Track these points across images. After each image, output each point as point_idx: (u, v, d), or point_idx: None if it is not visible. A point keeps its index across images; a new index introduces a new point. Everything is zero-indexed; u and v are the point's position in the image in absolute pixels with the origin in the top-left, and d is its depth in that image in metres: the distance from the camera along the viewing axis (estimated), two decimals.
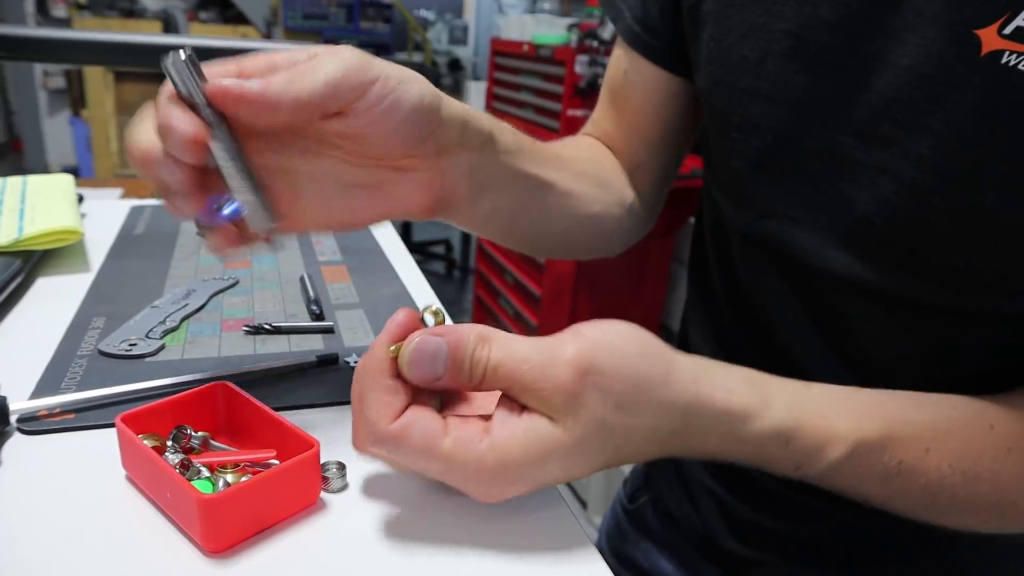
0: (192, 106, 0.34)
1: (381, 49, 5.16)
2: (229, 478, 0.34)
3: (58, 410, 0.41)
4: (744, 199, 0.53)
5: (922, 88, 0.40)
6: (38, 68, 4.90)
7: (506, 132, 0.46)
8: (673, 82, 0.58)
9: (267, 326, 0.52)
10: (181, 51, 0.34)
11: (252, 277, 0.63)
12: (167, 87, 0.35)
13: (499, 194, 0.47)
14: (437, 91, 0.39)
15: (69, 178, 0.76)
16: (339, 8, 5.09)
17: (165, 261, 0.65)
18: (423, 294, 0.62)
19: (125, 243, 0.69)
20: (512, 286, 2.77)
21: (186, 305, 0.56)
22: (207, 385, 0.39)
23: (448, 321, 0.36)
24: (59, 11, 4.82)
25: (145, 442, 0.36)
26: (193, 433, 0.36)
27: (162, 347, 0.49)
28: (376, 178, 0.40)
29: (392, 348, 0.33)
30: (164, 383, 0.43)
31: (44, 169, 4.86)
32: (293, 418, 0.42)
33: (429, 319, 0.35)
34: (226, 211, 0.37)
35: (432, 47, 5.31)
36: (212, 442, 0.36)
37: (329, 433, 0.41)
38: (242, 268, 0.65)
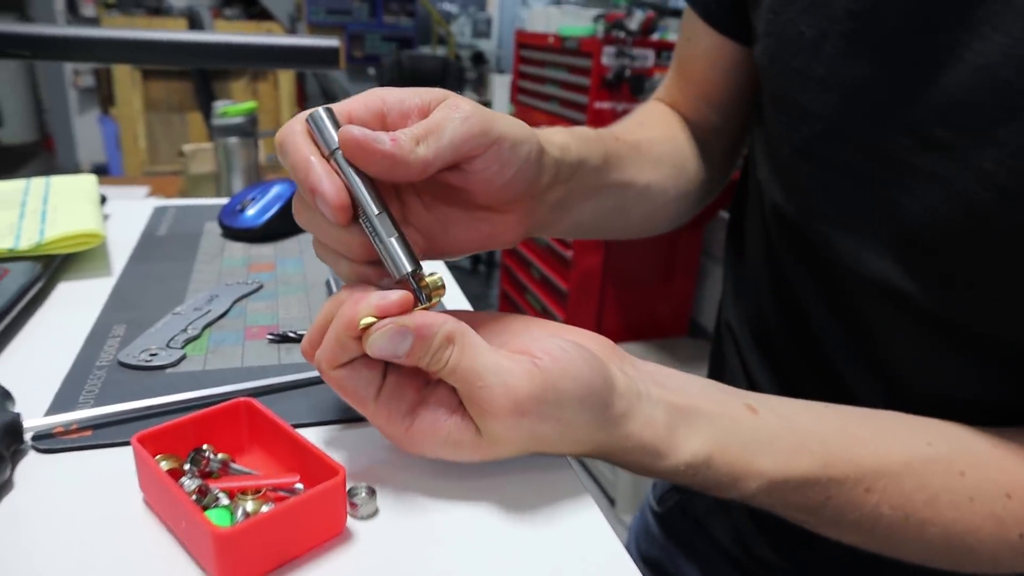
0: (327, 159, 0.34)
1: (405, 44, 5.15)
2: (249, 506, 0.31)
3: (75, 427, 0.39)
4: (788, 188, 0.50)
5: (996, 93, 0.37)
6: (68, 67, 4.96)
7: (594, 149, 0.46)
8: (736, 50, 0.56)
9: (292, 334, 0.50)
10: (321, 109, 0.34)
11: (277, 281, 0.61)
12: (306, 148, 0.34)
13: (582, 209, 0.47)
14: (540, 141, 0.39)
15: (92, 178, 0.75)
16: (362, 2, 5.09)
17: (188, 264, 0.64)
18: (450, 293, 0.60)
19: (148, 245, 0.68)
20: (539, 281, 2.74)
21: (208, 312, 0.54)
22: (229, 402, 0.37)
23: (442, 300, 0.36)
24: (88, 10, 4.87)
25: (162, 464, 0.34)
26: (212, 456, 0.33)
27: (183, 357, 0.47)
28: (472, 217, 0.40)
29: (365, 321, 0.32)
30: (184, 398, 0.41)
31: (75, 167, 4.92)
32: (319, 435, 0.40)
33: (431, 280, 0.35)
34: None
35: (456, 40, 5.29)
36: (233, 465, 0.34)
37: (358, 453, 0.39)
38: (266, 272, 0.63)
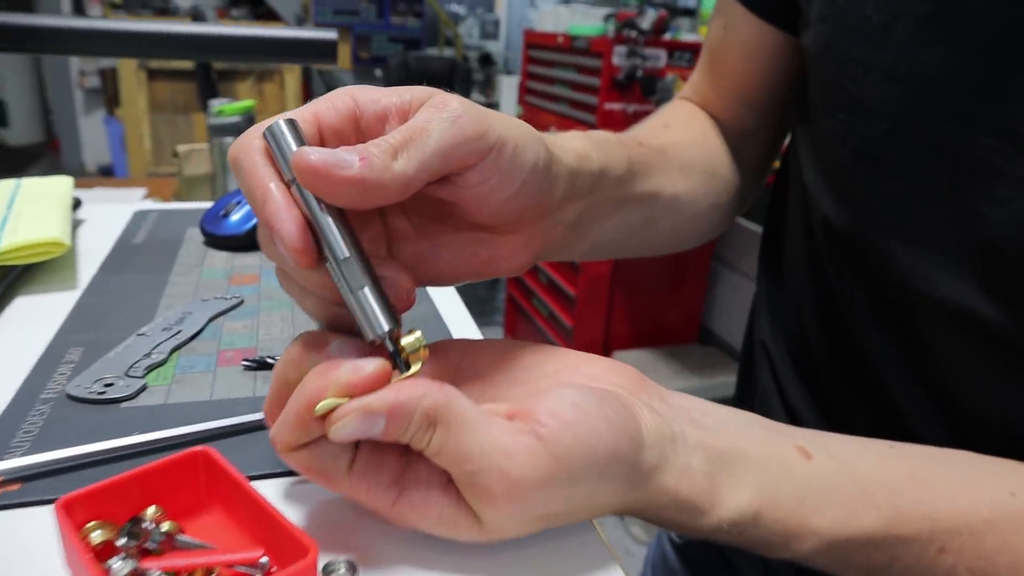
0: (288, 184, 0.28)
1: (411, 45, 5.10)
2: None
3: (0, 479, 0.33)
4: (842, 195, 0.44)
5: None
6: (74, 68, 4.92)
7: (615, 156, 0.39)
8: (779, 38, 0.50)
9: (271, 359, 0.44)
10: (280, 119, 0.28)
11: (260, 296, 0.55)
12: (262, 172, 0.27)
13: (602, 227, 0.40)
14: (548, 146, 0.33)
15: (67, 181, 0.69)
16: (370, 3, 5.04)
17: (163, 275, 0.57)
18: (454, 313, 0.53)
19: (121, 254, 0.62)
20: (546, 286, 2.67)
21: (178, 332, 0.47)
22: (183, 453, 0.31)
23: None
24: (95, 11, 4.83)
25: (95, 535, 0.27)
26: (153, 528, 0.27)
27: (143, 388, 0.41)
28: (469, 239, 0.33)
29: (321, 406, 0.26)
30: (133, 443, 0.35)
31: (80, 168, 4.88)
32: (290, 489, 0.33)
33: (408, 343, 0.28)
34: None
35: (463, 42, 5.23)
36: (180, 537, 0.28)
37: (336, 514, 0.32)
38: (249, 284, 0.57)
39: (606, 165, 0.38)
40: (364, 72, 5.17)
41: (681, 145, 0.50)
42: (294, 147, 0.27)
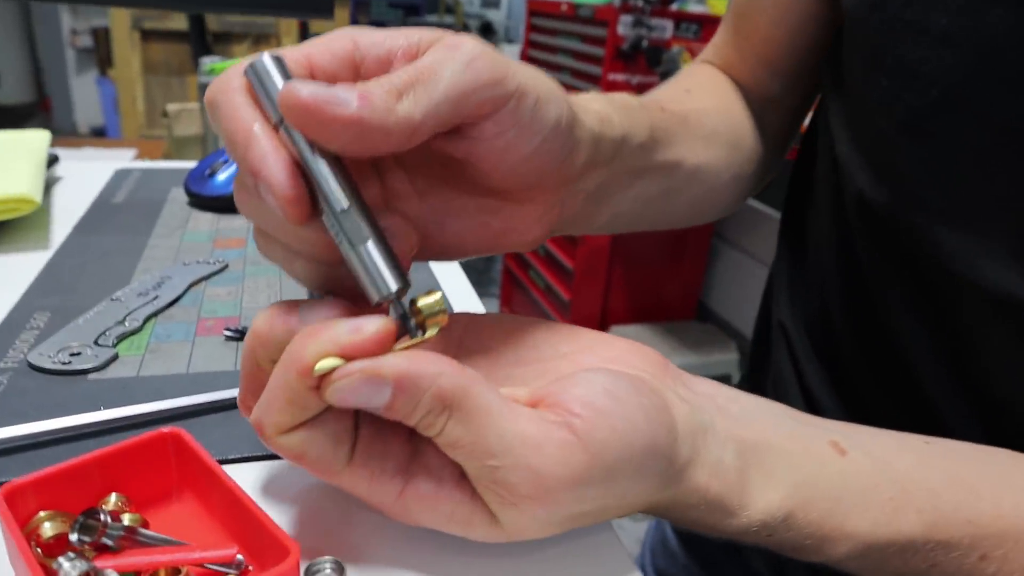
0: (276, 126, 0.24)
1: (411, 12, 5.00)
2: None
3: None
4: (880, 169, 0.40)
5: None
6: (66, 26, 4.82)
7: (638, 122, 0.35)
8: (812, 1, 0.45)
9: None
10: (265, 55, 0.23)
11: (245, 260, 0.51)
12: (245, 112, 0.23)
13: (622, 198, 0.36)
14: (572, 106, 0.29)
15: (43, 135, 0.64)
16: None
17: (143, 237, 0.53)
18: (456, 285, 0.49)
19: (99, 214, 0.58)
20: (543, 258, 2.64)
21: (155, 298, 0.44)
22: (151, 434, 0.27)
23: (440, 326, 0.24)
24: None
25: (45, 526, 0.24)
26: (109, 522, 0.23)
27: (114, 358, 0.37)
28: (480, 207, 0.29)
29: (321, 365, 0.22)
30: (95, 420, 0.31)
31: (72, 128, 4.80)
32: (271, 473, 0.30)
33: (426, 304, 0.24)
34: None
35: (464, 10, 5.14)
36: (143, 531, 0.24)
37: (321, 504, 0.29)
38: (235, 248, 0.53)
39: (628, 131, 0.34)
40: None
41: (704, 112, 0.46)
42: (280, 85, 0.23)
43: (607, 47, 2.18)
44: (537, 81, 0.27)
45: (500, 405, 0.23)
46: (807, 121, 0.56)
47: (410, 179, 0.29)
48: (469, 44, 0.25)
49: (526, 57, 2.83)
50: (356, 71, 0.25)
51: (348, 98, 0.22)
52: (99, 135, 4.65)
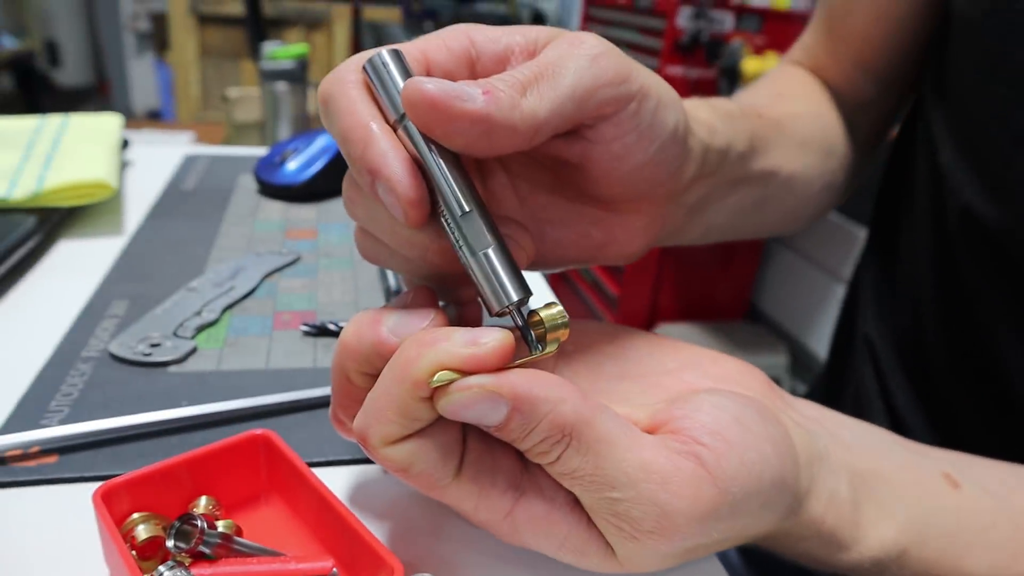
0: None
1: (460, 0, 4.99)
2: None
3: (35, 450, 0.29)
4: (991, 183, 0.37)
5: None
6: (125, 10, 4.91)
7: (740, 130, 0.34)
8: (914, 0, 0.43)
9: (333, 326, 0.39)
10: (384, 50, 0.22)
11: (318, 252, 0.50)
12: (363, 109, 0.22)
13: (717, 210, 0.35)
14: (687, 114, 0.28)
15: (116, 119, 0.65)
16: None
17: (214, 225, 0.53)
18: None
19: (170, 200, 0.57)
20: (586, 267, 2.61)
21: (231, 289, 0.43)
22: (242, 436, 0.26)
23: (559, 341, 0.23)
24: None
25: (139, 529, 0.23)
26: (206, 528, 0.23)
27: (193, 350, 0.37)
28: (583, 216, 0.28)
29: (440, 377, 0.20)
30: (184, 415, 0.31)
31: (129, 111, 4.90)
32: (358, 478, 0.29)
33: (548, 316, 0.22)
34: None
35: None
36: (237, 539, 0.23)
37: (414, 514, 0.28)
38: (306, 239, 0.52)
39: (731, 140, 0.33)
40: (414, 25, 5.08)
41: (798, 117, 0.44)
42: (401, 81, 0.22)
43: (665, 40, 2.14)
44: (659, 84, 0.26)
45: (622, 434, 0.21)
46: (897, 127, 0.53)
47: (512, 184, 0.27)
48: (592, 40, 0.24)
49: None
50: (472, 69, 0.24)
51: (474, 94, 0.21)
52: (154, 118, 4.74)
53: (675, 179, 0.28)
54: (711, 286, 2.50)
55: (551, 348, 0.22)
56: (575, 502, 0.22)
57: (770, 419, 0.24)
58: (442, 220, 0.22)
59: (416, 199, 0.21)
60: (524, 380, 0.20)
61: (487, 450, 0.22)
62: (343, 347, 0.23)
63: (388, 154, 0.21)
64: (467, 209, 0.22)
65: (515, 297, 0.22)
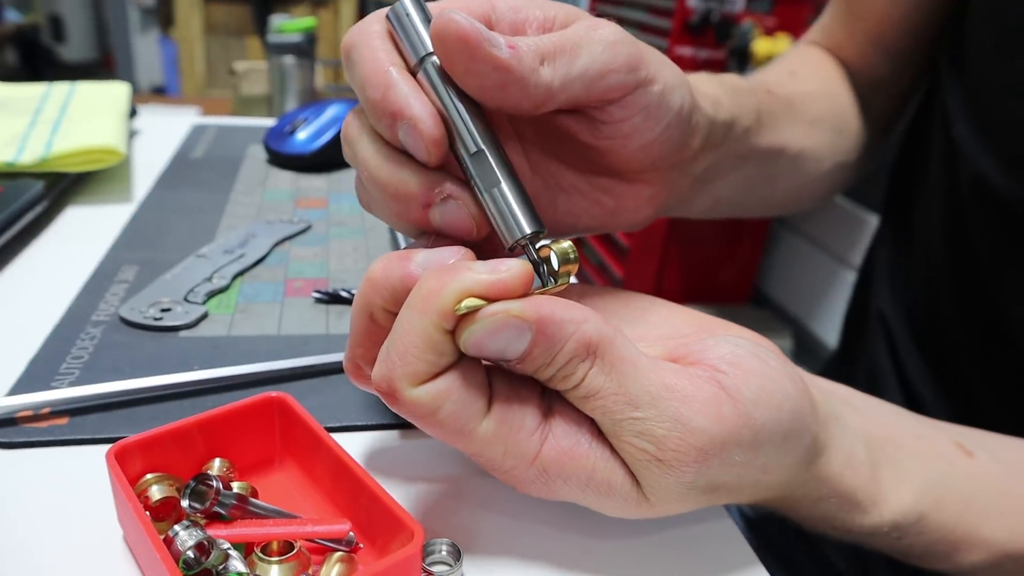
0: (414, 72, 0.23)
1: None
2: (274, 574, 0.20)
3: (46, 411, 0.28)
4: (1006, 154, 0.37)
5: None
6: None
7: (746, 105, 0.35)
8: None
9: (345, 293, 0.39)
10: (407, 0, 0.23)
11: (328, 221, 0.49)
12: (384, 55, 0.23)
13: (725, 182, 0.36)
14: (692, 91, 0.28)
15: (124, 87, 0.64)
16: None
17: (223, 194, 0.52)
18: None
19: (179, 168, 0.57)
20: (598, 235, 2.61)
21: (242, 256, 0.42)
22: (256, 398, 0.26)
23: (572, 275, 0.23)
24: None
25: (153, 490, 0.23)
26: (223, 489, 0.22)
27: (204, 316, 0.36)
28: (593, 185, 0.28)
29: (463, 304, 0.20)
30: (195, 378, 0.30)
31: (133, 87, 4.88)
32: (373, 444, 0.29)
33: (552, 260, 0.22)
34: None
35: None
36: (253, 501, 0.23)
37: (433, 482, 0.27)
38: (317, 208, 0.51)
39: (737, 115, 0.34)
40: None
41: (810, 95, 0.44)
42: (422, 26, 0.22)
43: (675, 20, 2.12)
44: (666, 69, 0.26)
45: (644, 357, 0.22)
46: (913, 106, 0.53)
47: (525, 151, 0.28)
48: (610, 27, 0.24)
49: None
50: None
51: (500, 43, 0.21)
52: (159, 93, 4.72)
53: (680, 153, 0.29)
54: (716, 269, 2.49)
55: (563, 280, 0.22)
56: (598, 433, 0.22)
57: (787, 361, 0.24)
58: (459, 160, 0.23)
59: (439, 137, 0.22)
60: (548, 302, 0.20)
61: (513, 391, 0.22)
62: (369, 282, 0.23)
63: (410, 95, 0.22)
64: (481, 147, 0.22)
65: (528, 230, 0.22)
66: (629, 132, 0.26)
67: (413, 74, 0.23)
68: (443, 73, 0.22)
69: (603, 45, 0.23)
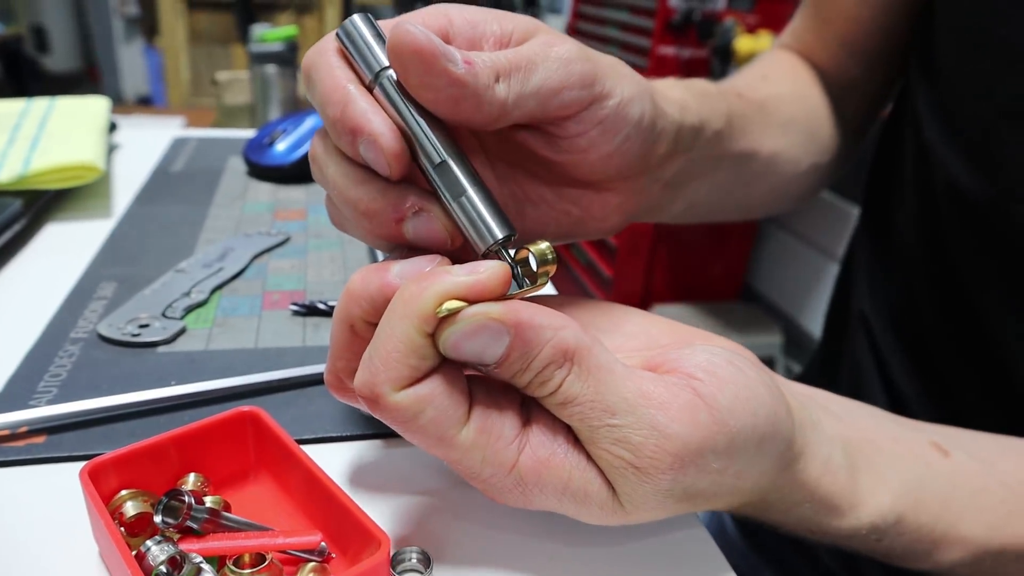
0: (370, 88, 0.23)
1: None
2: None
3: (23, 429, 0.29)
4: (976, 157, 0.38)
5: None
6: None
7: (716, 109, 0.35)
8: None
9: (322, 305, 0.39)
10: (357, 15, 0.24)
11: (307, 233, 0.50)
12: (341, 73, 0.23)
13: (698, 186, 0.36)
14: (653, 97, 0.29)
15: (103, 102, 0.64)
16: None
17: (203, 207, 0.53)
18: None
19: (159, 183, 0.57)
20: (569, 243, 2.61)
21: (220, 270, 0.43)
22: (230, 413, 0.26)
23: (547, 279, 0.23)
24: None
25: (128, 506, 0.23)
26: (193, 504, 0.23)
27: (182, 331, 0.37)
28: (560, 196, 0.29)
29: (444, 307, 0.20)
30: (171, 394, 0.31)
31: (118, 97, 4.86)
32: (349, 454, 0.29)
33: (531, 261, 0.23)
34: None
35: None
36: (225, 515, 0.23)
37: (405, 490, 0.28)
38: (295, 220, 0.52)
39: (706, 119, 0.34)
40: (406, 7, 5.05)
41: (781, 99, 0.45)
42: (376, 44, 0.23)
43: (657, 19, 2.13)
44: (623, 81, 0.26)
45: (620, 365, 0.22)
46: (888, 107, 0.53)
47: (491, 164, 0.28)
48: (567, 44, 0.25)
49: (573, 29, 2.78)
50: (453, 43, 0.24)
51: (456, 57, 0.22)
52: (145, 103, 4.70)
53: (645, 160, 0.29)
54: (705, 266, 2.50)
55: (542, 281, 0.23)
56: (575, 442, 0.23)
57: (763, 369, 0.25)
58: (424, 172, 0.23)
59: (399, 151, 0.22)
60: (526, 307, 0.21)
61: (493, 400, 0.22)
62: (349, 294, 0.23)
63: (368, 111, 0.22)
64: (444, 157, 0.23)
65: (499, 235, 0.22)
66: (586, 146, 0.26)
67: (370, 90, 0.23)
68: (400, 87, 0.23)
69: (559, 62, 0.24)
